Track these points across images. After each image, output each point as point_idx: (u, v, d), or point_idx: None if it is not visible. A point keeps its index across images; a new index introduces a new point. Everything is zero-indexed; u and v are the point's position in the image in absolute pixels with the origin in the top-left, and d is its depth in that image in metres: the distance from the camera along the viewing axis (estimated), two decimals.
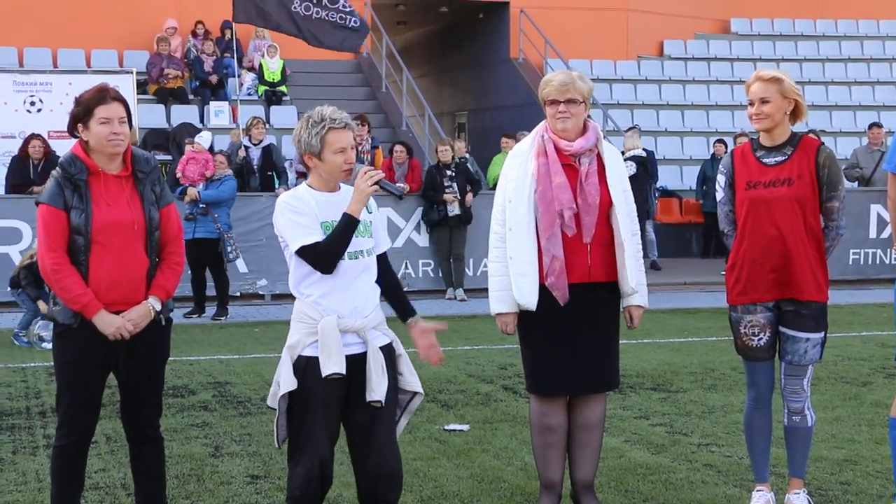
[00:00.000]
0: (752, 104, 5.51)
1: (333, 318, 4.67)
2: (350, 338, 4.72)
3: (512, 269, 5.50)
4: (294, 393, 4.70)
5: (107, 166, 4.96)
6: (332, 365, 4.63)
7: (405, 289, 5.00)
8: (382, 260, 4.95)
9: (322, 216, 4.72)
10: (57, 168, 4.97)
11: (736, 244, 5.60)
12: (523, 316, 5.59)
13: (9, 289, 11.75)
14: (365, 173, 4.70)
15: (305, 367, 4.69)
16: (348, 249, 4.71)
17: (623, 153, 16.62)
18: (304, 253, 4.67)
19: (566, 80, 5.53)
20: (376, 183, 4.71)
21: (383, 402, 4.73)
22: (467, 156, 17.08)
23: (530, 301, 5.47)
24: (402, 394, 4.94)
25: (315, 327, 4.67)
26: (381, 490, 4.79)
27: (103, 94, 4.94)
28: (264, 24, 16.53)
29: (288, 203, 4.74)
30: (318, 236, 4.67)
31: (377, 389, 4.71)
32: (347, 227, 4.67)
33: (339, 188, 4.84)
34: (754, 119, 5.51)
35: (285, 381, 4.69)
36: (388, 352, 4.85)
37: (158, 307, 5.02)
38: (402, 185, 15.13)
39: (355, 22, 15.50)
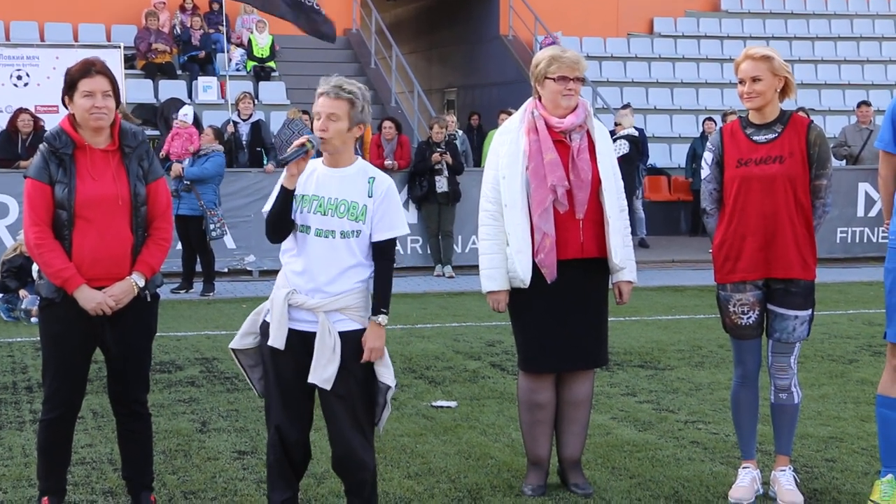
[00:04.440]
0: (742, 83, 5.49)
1: (284, 293, 4.72)
2: (307, 314, 4.72)
3: (510, 246, 5.51)
4: (263, 361, 4.88)
5: (93, 140, 4.94)
6: (274, 338, 4.71)
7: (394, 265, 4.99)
8: (381, 246, 4.81)
9: (303, 188, 4.74)
10: (43, 142, 4.96)
11: (724, 222, 5.59)
12: (515, 293, 5.60)
13: None
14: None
15: (265, 333, 4.82)
16: (317, 226, 4.70)
17: (614, 132, 16.59)
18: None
19: (577, 58, 5.56)
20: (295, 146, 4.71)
21: (328, 387, 4.68)
22: (458, 133, 17.03)
23: (525, 277, 5.48)
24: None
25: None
26: (342, 471, 4.88)
27: (88, 68, 4.92)
28: (252, 2, 16.58)
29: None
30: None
31: (319, 372, 4.67)
32: (279, 196, 4.73)
33: (351, 163, 4.80)
34: (746, 98, 5.49)
35: (236, 338, 4.94)
36: (354, 339, 4.74)
37: (142, 283, 5.00)
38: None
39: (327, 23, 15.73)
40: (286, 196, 4.70)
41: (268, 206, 4.77)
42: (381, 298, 4.77)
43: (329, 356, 4.66)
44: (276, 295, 4.74)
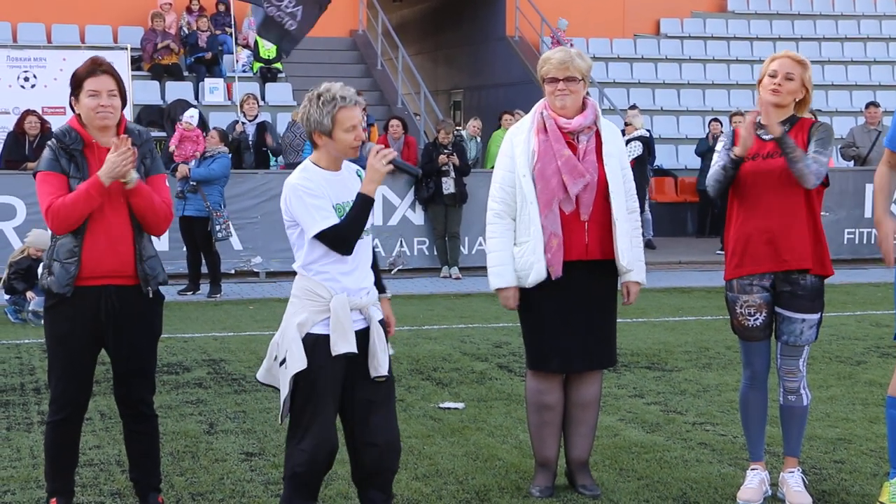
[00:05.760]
0: (774, 76, 5.48)
1: (344, 297, 4.69)
2: (354, 315, 4.74)
3: (529, 242, 5.51)
4: (301, 370, 4.68)
5: (100, 139, 4.95)
6: (346, 344, 4.67)
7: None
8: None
9: (334, 198, 4.71)
10: (52, 139, 4.97)
11: (733, 217, 5.60)
12: (523, 294, 5.60)
13: (5, 296, 11.70)
14: (378, 152, 4.70)
15: (314, 344, 4.68)
16: None
17: (624, 133, 16.58)
18: (323, 237, 4.65)
19: (565, 58, 5.53)
20: (391, 162, 4.70)
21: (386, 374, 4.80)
22: (477, 139, 17.05)
23: (540, 275, 5.49)
24: None
25: (325, 305, 4.67)
26: (387, 462, 4.84)
27: (94, 67, 4.94)
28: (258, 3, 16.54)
29: (302, 186, 4.68)
30: (334, 219, 4.66)
31: (383, 364, 4.77)
32: (365, 207, 4.69)
33: (342, 167, 4.83)
34: (771, 90, 5.47)
35: (296, 360, 4.65)
36: (382, 326, 4.89)
37: (135, 177, 4.88)
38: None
39: (292, 24, 15.20)
40: (371, 206, 4.74)
41: (327, 224, 4.62)
42: (381, 279, 5.03)
43: (384, 348, 4.80)
44: (337, 302, 4.65)
